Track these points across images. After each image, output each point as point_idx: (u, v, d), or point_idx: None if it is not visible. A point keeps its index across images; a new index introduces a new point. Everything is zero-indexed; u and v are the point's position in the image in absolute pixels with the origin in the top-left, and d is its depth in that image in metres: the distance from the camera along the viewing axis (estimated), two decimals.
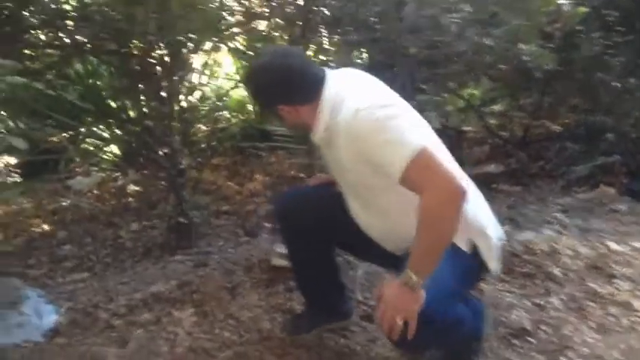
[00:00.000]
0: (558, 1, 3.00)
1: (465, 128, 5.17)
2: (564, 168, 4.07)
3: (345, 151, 1.73)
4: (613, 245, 2.85)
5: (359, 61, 3.35)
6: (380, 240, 1.90)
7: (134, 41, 2.97)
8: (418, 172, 1.57)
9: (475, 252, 1.75)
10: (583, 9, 3.31)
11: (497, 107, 5.31)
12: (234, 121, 5.02)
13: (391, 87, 1.85)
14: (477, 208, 1.80)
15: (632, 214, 3.34)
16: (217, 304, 2.44)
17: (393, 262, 1.84)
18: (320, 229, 1.99)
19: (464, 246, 1.73)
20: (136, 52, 3.02)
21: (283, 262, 2.55)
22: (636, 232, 3.08)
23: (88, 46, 3.08)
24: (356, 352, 2.15)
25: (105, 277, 2.98)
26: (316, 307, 2.25)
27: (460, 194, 1.55)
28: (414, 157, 1.56)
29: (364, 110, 1.64)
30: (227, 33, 3.09)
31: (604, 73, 3.60)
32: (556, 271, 2.61)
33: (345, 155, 1.74)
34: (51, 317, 2.37)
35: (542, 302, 2.42)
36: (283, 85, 1.76)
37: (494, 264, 1.79)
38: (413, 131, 1.64)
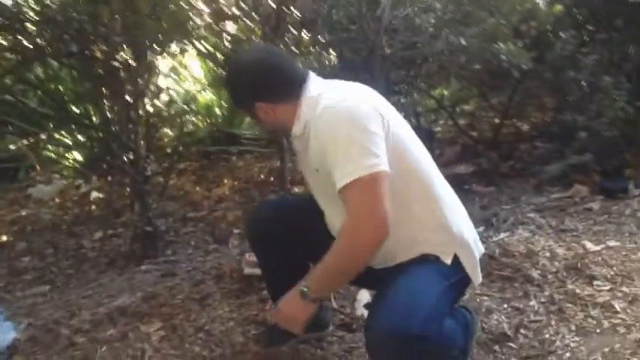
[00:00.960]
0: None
1: (436, 129, 5.18)
2: (536, 167, 4.06)
3: (312, 150, 1.66)
4: (589, 245, 2.82)
5: (327, 62, 3.29)
6: None
7: (97, 44, 2.85)
8: (358, 195, 1.51)
9: (459, 265, 1.70)
10: (559, 7, 3.30)
11: (467, 107, 5.31)
12: (201, 125, 4.94)
13: None
14: (461, 221, 1.75)
15: (605, 213, 3.33)
16: (186, 317, 2.35)
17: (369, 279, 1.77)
18: (292, 240, 1.91)
19: (449, 260, 1.68)
20: (99, 55, 2.90)
21: (255, 271, 2.47)
22: (611, 230, 3.07)
23: (49, 49, 2.95)
24: None
25: (67, 291, 2.87)
26: None
27: (383, 235, 1.51)
28: (362, 178, 1.49)
29: (334, 107, 1.58)
30: (195, 34, 2.99)
31: (575, 72, 3.59)
32: (534, 273, 2.56)
33: (312, 154, 1.67)
34: (9, 335, 2.26)
35: (521, 306, 2.36)
36: (263, 82, 1.68)
37: (477, 277, 1.76)
38: (378, 148, 1.53)
